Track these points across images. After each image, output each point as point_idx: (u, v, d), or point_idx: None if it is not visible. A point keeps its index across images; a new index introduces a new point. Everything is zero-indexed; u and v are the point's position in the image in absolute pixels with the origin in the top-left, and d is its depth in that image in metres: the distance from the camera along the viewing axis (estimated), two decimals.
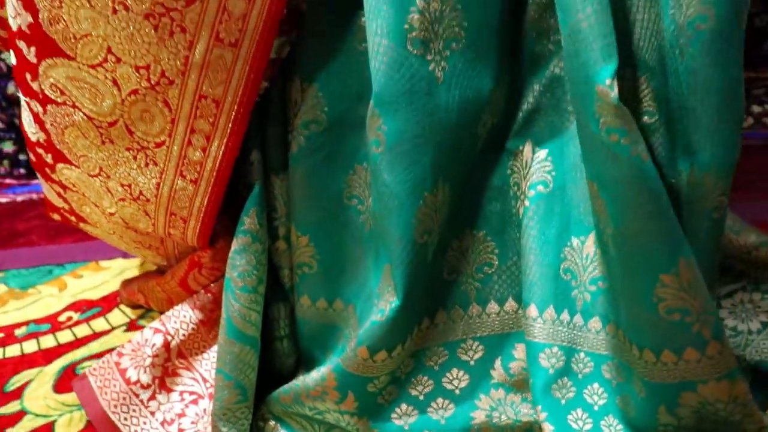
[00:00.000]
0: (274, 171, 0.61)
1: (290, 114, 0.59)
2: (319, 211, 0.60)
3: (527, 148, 0.57)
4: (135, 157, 0.59)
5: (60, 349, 0.80)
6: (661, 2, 0.48)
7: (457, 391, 0.59)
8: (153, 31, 0.51)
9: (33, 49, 0.53)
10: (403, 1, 0.47)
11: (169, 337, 0.69)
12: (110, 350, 0.79)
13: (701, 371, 0.47)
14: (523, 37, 0.56)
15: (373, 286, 0.58)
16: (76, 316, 0.87)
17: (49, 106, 0.58)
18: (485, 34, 0.52)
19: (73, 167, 0.63)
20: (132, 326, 0.84)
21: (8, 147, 1.18)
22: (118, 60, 0.53)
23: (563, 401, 0.53)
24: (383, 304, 0.53)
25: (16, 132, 1.16)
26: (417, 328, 0.55)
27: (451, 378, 0.59)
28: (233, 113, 0.55)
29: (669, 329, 0.46)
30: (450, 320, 0.58)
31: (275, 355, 0.67)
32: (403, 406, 0.57)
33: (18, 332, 0.84)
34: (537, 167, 0.55)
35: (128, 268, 0.96)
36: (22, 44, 0.54)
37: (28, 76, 0.56)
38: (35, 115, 0.60)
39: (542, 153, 0.56)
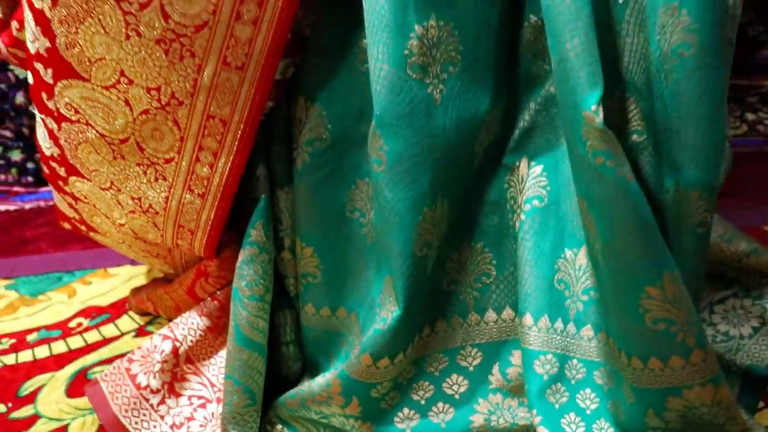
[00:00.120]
0: (279, 185, 0.65)
1: (295, 132, 0.62)
2: (323, 224, 0.63)
3: (523, 163, 0.60)
4: (145, 172, 0.63)
5: (71, 355, 0.83)
6: (649, 28, 0.51)
7: (457, 396, 0.62)
8: (164, 55, 0.54)
9: (50, 70, 0.56)
10: (402, 28, 0.50)
11: (178, 344, 0.72)
12: (120, 355, 0.83)
13: (686, 377, 0.51)
14: (519, 57, 0.59)
15: (375, 296, 0.61)
16: (86, 322, 0.90)
17: (63, 124, 0.61)
18: (481, 57, 0.55)
19: (85, 180, 0.66)
20: (141, 332, 0.87)
21: (16, 156, 1.21)
22: (131, 82, 0.56)
23: (557, 406, 0.56)
24: (385, 313, 0.56)
25: (24, 141, 1.19)
26: (418, 336, 0.59)
27: (451, 383, 0.62)
28: (239, 132, 0.59)
29: (655, 338, 0.49)
30: (450, 328, 0.61)
31: (281, 361, 0.70)
32: (405, 411, 0.61)
33: (30, 338, 0.87)
34: (532, 182, 0.59)
35: (136, 275, 0.99)
36: (39, 66, 0.57)
37: (44, 95, 0.59)
38: (50, 132, 0.63)
39: (537, 168, 0.59)
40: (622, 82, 0.55)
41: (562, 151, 0.58)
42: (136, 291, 0.88)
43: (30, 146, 1.20)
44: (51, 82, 0.57)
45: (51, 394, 0.76)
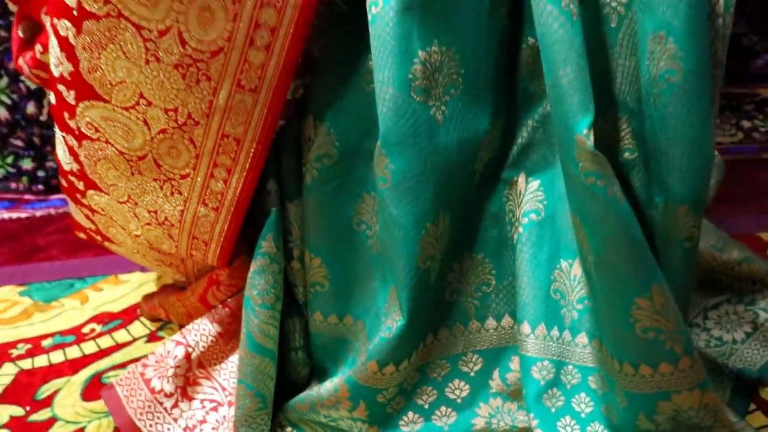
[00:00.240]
0: (289, 199, 0.69)
1: (304, 148, 0.66)
2: (331, 235, 0.67)
3: (521, 178, 0.64)
4: (161, 187, 0.67)
5: (85, 360, 0.87)
6: (640, 51, 0.55)
7: (459, 400, 0.66)
8: (181, 79, 0.58)
9: (72, 92, 0.60)
10: (407, 54, 0.54)
11: (190, 349, 0.76)
12: (133, 360, 0.87)
13: (675, 382, 0.54)
14: (517, 77, 0.63)
15: (381, 304, 0.65)
16: (98, 327, 0.94)
17: (84, 141, 0.65)
18: (481, 79, 0.59)
19: (103, 194, 0.70)
20: (152, 337, 0.91)
21: (27, 164, 1.25)
22: (149, 103, 0.60)
23: (553, 409, 0.60)
24: (390, 322, 0.60)
25: (34, 150, 1.23)
26: (422, 343, 0.63)
27: (453, 388, 0.66)
28: (252, 150, 0.63)
29: (645, 346, 0.53)
30: (452, 336, 0.66)
31: (291, 366, 0.74)
32: (410, 414, 0.65)
33: (45, 343, 0.91)
34: (530, 197, 0.63)
35: (146, 281, 1.03)
36: (62, 88, 0.61)
37: (66, 115, 0.63)
38: (70, 148, 0.67)
39: (535, 183, 0.63)
40: (615, 101, 0.59)
41: (558, 168, 0.61)
42: (148, 298, 0.92)
43: (41, 155, 1.24)
44: (73, 103, 0.61)
45: (67, 398, 0.80)
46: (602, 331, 0.58)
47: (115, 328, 0.93)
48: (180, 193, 0.66)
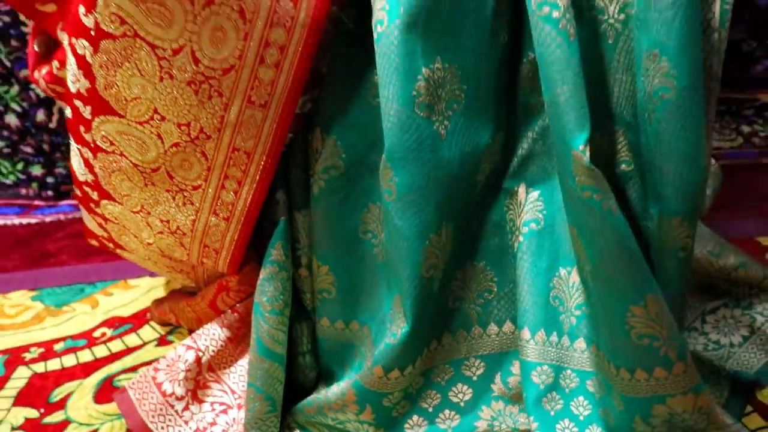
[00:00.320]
0: (297, 208, 0.72)
1: (312, 160, 0.69)
2: (338, 244, 0.70)
3: (521, 189, 0.67)
4: (174, 198, 0.70)
5: (97, 363, 0.90)
6: (636, 67, 0.57)
7: (462, 404, 0.69)
8: (194, 95, 0.61)
9: (89, 107, 0.63)
10: (411, 71, 0.57)
11: (200, 353, 0.79)
12: (143, 364, 0.90)
13: (669, 387, 0.57)
14: (518, 90, 0.66)
15: (386, 311, 0.68)
16: (109, 332, 0.97)
17: (99, 154, 0.68)
18: (482, 94, 0.62)
19: (117, 204, 0.73)
20: (162, 341, 0.94)
21: (37, 170, 1.28)
22: (163, 118, 0.63)
23: (552, 413, 0.63)
24: (395, 328, 0.63)
25: (44, 156, 1.26)
26: (426, 349, 0.66)
27: (456, 392, 0.69)
28: (262, 163, 0.66)
29: (640, 352, 0.56)
30: (455, 341, 0.69)
31: (298, 369, 0.77)
32: (415, 418, 0.68)
33: (57, 347, 0.94)
34: (530, 206, 0.66)
35: (155, 286, 1.06)
36: (78, 103, 0.64)
37: (82, 129, 0.66)
38: (85, 160, 0.70)
39: (535, 194, 0.66)
40: (612, 115, 0.62)
41: (557, 179, 0.64)
42: (158, 303, 0.95)
43: (50, 161, 1.27)
44: (89, 117, 0.64)
45: (80, 401, 0.83)
46: (599, 336, 0.61)
47: (126, 332, 0.96)
48: (192, 204, 0.70)
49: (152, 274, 1.07)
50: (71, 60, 0.61)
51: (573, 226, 0.58)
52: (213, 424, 0.76)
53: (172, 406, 0.77)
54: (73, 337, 0.96)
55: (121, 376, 0.87)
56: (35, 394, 0.85)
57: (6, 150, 1.27)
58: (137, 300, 1.04)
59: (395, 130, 0.58)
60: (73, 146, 0.71)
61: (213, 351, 0.80)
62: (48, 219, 1.26)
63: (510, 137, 0.67)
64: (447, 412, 0.69)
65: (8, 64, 1.21)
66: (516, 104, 0.66)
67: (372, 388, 0.65)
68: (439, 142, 0.60)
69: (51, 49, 0.74)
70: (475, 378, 0.70)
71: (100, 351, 0.93)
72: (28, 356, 0.92)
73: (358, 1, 0.63)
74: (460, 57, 0.60)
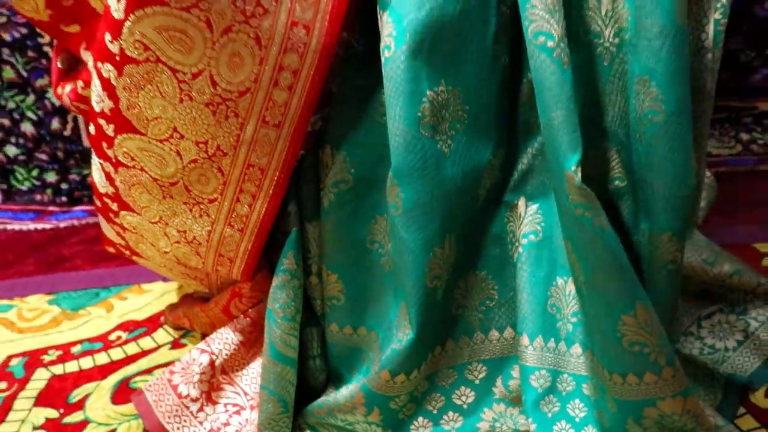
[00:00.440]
0: (308, 219, 0.77)
1: (322, 175, 0.74)
2: (346, 254, 0.76)
3: (521, 202, 0.72)
4: (191, 210, 0.75)
5: (113, 366, 0.95)
6: (629, 89, 0.62)
7: (465, 406, 0.75)
8: (212, 115, 0.66)
9: (112, 126, 0.69)
10: (416, 94, 0.62)
11: (214, 357, 0.84)
12: (158, 366, 0.94)
13: (659, 390, 0.62)
14: (518, 108, 0.71)
15: (393, 317, 0.73)
16: (124, 335, 1.02)
17: (120, 168, 0.73)
18: (483, 115, 0.67)
19: (136, 215, 0.78)
20: (176, 344, 0.99)
21: (51, 177, 1.34)
22: (182, 136, 0.68)
23: (550, 414, 0.69)
24: (401, 335, 0.68)
25: (58, 164, 1.32)
26: (430, 354, 0.71)
27: (459, 395, 0.75)
28: (275, 178, 0.71)
29: (631, 358, 0.61)
30: (458, 347, 0.74)
31: (309, 372, 0.82)
32: (420, 420, 0.74)
33: (74, 350, 0.99)
34: (529, 219, 0.70)
35: (168, 290, 1.11)
36: (102, 121, 0.69)
37: (105, 145, 0.71)
38: (107, 174, 0.75)
39: (534, 207, 0.71)
40: (607, 133, 0.66)
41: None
42: (173, 308, 1.01)
43: (64, 168, 1.32)
44: (112, 135, 0.69)
45: (98, 401, 0.88)
46: (594, 343, 0.66)
47: (140, 336, 1.01)
48: (208, 216, 0.75)
49: (165, 279, 1.12)
50: (96, 82, 0.66)
51: (567, 240, 0.63)
52: (226, 424, 0.81)
53: (188, 408, 0.81)
54: (89, 340, 1.01)
55: (137, 378, 0.92)
56: (55, 395, 0.89)
57: (21, 157, 1.33)
58: (151, 304, 1.09)
59: (401, 150, 0.63)
60: (95, 160, 0.76)
61: (226, 354, 0.85)
62: (62, 224, 1.31)
63: (511, 153, 0.72)
64: (451, 414, 0.74)
65: (25, 74, 1.26)
66: (517, 122, 0.71)
67: (379, 392, 0.70)
68: (442, 160, 0.64)
69: (73, 65, 0.79)
70: (477, 381, 0.75)
71: (116, 354, 0.97)
72: (46, 358, 0.97)
73: (367, 27, 0.68)
74: (462, 80, 0.64)
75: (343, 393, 0.74)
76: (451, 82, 0.64)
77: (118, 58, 0.63)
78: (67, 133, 1.29)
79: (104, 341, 1.01)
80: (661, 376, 0.61)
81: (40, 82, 1.27)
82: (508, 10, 0.65)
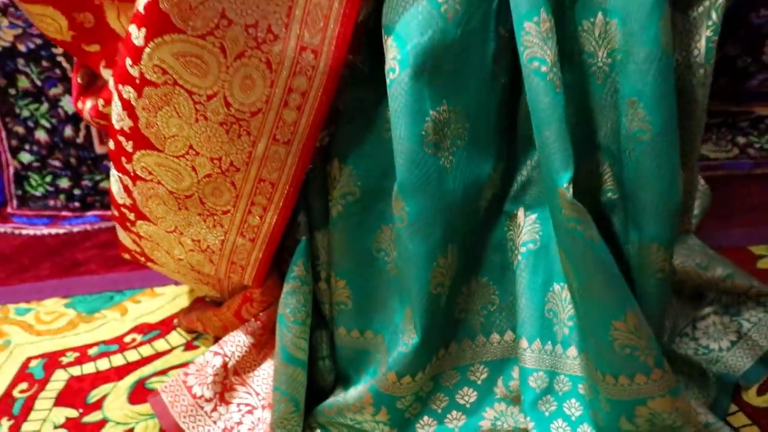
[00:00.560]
0: (316, 228, 0.83)
1: (330, 187, 0.80)
2: (353, 261, 0.81)
3: (520, 212, 0.77)
4: (205, 220, 0.80)
5: (129, 367, 1.00)
6: (620, 107, 0.67)
7: (468, 405, 0.80)
8: (225, 134, 0.71)
9: (131, 143, 0.74)
10: (420, 113, 0.67)
11: (227, 359, 0.89)
12: (172, 367, 1.00)
13: (649, 390, 0.68)
14: (518, 123, 0.76)
15: (398, 321, 0.78)
16: (139, 337, 1.07)
17: (138, 182, 0.78)
18: (483, 131, 0.72)
19: (152, 224, 0.84)
20: (189, 346, 1.04)
21: (64, 183, 1.39)
22: (197, 153, 0.73)
23: (547, 414, 0.74)
24: (406, 339, 0.73)
25: (71, 170, 1.37)
26: (435, 357, 0.76)
27: (462, 395, 0.81)
28: (285, 191, 0.77)
29: (622, 360, 0.67)
30: (461, 349, 0.79)
31: (318, 373, 0.88)
32: (425, 419, 0.79)
33: (91, 352, 1.05)
34: (528, 228, 0.76)
35: (180, 294, 1.16)
36: (121, 138, 0.74)
37: (123, 160, 0.77)
38: (125, 187, 0.80)
39: (532, 216, 0.76)
40: (600, 148, 0.71)
41: None
42: (186, 312, 1.06)
43: (77, 174, 1.38)
44: (131, 151, 0.74)
45: (115, 401, 0.93)
46: (588, 345, 0.71)
47: (155, 338, 1.06)
48: (221, 226, 0.80)
49: (177, 283, 1.17)
50: (117, 102, 0.71)
51: (561, 250, 0.68)
52: (239, 423, 0.86)
53: (202, 408, 0.86)
54: (105, 342, 1.06)
55: (153, 379, 0.97)
56: (73, 395, 0.95)
57: (35, 164, 1.38)
58: (164, 307, 1.14)
59: (406, 166, 0.68)
60: (114, 173, 0.81)
61: (238, 356, 0.90)
62: (75, 229, 1.36)
63: (511, 165, 0.77)
64: (454, 413, 0.80)
65: (39, 83, 1.31)
66: (516, 136, 0.76)
67: (386, 392, 0.76)
68: (444, 175, 0.69)
69: (92, 81, 0.84)
70: (479, 382, 0.80)
71: (132, 355, 1.03)
72: (64, 360, 1.02)
73: (371, 48, 0.73)
74: (463, 100, 0.70)
75: (352, 393, 0.79)
76: (453, 102, 0.69)
77: (138, 81, 0.68)
78: (79, 140, 1.35)
79: (120, 343, 1.06)
80: (650, 377, 0.67)
81: (53, 91, 1.32)
82: (506, 33, 0.70)
